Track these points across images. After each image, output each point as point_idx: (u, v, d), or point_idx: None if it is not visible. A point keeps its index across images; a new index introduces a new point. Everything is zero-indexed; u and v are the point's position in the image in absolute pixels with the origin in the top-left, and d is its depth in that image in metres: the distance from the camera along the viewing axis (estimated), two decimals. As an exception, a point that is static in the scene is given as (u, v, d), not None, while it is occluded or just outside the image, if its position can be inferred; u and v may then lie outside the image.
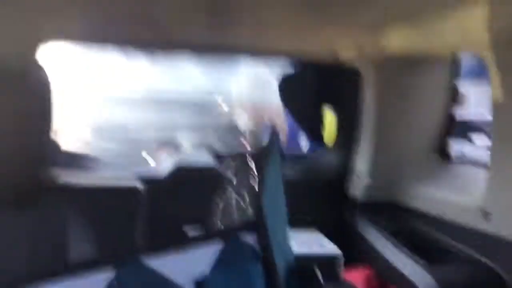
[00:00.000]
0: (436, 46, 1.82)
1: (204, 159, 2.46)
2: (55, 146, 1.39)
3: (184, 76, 6.02)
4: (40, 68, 1.33)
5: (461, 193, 1.75)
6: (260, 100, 6.04)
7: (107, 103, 5.74)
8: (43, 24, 1.77)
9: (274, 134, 1.38)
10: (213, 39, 2.05)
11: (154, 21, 1.77)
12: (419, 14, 1.61)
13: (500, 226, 1.49)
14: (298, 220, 1.52)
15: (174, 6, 1.64)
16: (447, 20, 1.58)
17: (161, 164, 2.45)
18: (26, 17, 1.72)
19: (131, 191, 1.47)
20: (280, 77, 2.39)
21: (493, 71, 1.48)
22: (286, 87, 2.41)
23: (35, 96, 1.29)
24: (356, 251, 2.08)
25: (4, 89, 1.24)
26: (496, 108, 1.49)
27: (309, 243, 2.02)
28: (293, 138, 5.04)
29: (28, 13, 1.67)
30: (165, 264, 1.12)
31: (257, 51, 2.22)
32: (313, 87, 2.42)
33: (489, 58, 1.49)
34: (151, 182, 2.02)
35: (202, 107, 6.25)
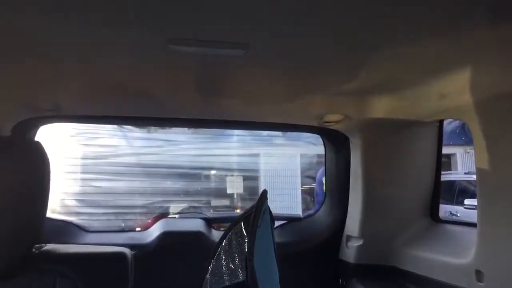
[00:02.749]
0: (419, 112, 1.88)
1: (191, 223, 2.43)
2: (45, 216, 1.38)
3: (175, 146, 6.08)
4: (39, 146, 1.34)
5: (453, 254, 1.74)
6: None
7: (97, 172, 5.74)
8: (41, 102, 1.81)
9: (264, 195, 1.38)
10: (205, 114, 2.10)
11: (151, 98, 1.82)
12: (401, 82, 1.67)
13: (493, 286, 1.47)
14: (291, 284, 1.49)
15: (169, 85, 1.70)
16: (429, 87, 1.64)
17: (149, 229, 2.41)
18: (25, 96, 1.76)
19: (119, 256, 1.44)
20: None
21: (476, 135, 1.52)
22: None
23: (33, 173, 1.30)
24: None
25: (3, 165, 1.25)
26: (481, 169, 1.52)
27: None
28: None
29: (26, 91, 1.71)
30: None
31: (247, 124, 2.27)
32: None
33: (472, 123, 1.53)
34: (138, 247, 1.98)
35: (191, 174, 6.26)
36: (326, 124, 2.12)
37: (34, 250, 1.37)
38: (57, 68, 1.49)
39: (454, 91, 1.56)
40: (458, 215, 6.88)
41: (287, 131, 3.22)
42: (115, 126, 4.71)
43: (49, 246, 1.43)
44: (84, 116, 2.10)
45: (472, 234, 1.60)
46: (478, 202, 1.55)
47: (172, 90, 1.76)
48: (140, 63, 1.45)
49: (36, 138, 2.10)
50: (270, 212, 1.43)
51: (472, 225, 1.71)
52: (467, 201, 6.81)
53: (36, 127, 2.08)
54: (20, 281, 1.29)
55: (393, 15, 1.10)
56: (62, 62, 1.44)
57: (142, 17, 1.12)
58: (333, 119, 2.06)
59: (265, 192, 1.40)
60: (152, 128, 5.02)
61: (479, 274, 1.52)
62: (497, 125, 1.43)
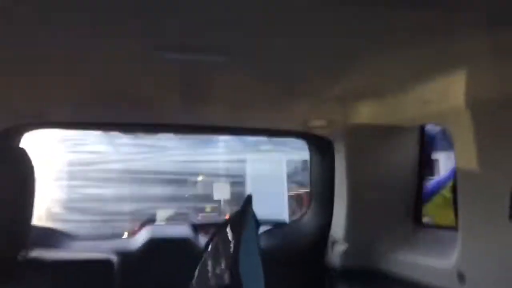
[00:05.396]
0: (402, 118, 1.90)
1: (178, 229, 2.42)
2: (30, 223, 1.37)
3: (162, 152, 6.07)
4: (24, 153, 1.34)
5: (436, 256, 1.76)
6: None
7: (83, 179, 5.69)
8: (25, 109, 1.80)
9: (248, 200, 1.39)
10: (191, 120, 2.11)
11: (137, 104, 1.82)
12: (385, 88, 1.69)
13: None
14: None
15: (155, 91, 1.70)
16: (411, 93, 1.66)
17: (135, 236, 2.40)
18: (9, 103, 1.75)
19: (104, 263, 1.44)
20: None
21: (457, 140, 1.55)
22: None
23: (18, 181, 1.30)
24: None
25: None
26: (462, 173, 1.55)
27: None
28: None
29: (10, 98, 1.70)
30: None
31: (232, 129, 2.28)
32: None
33: (453, 129, 1.56)
34: (125, 254, 1.97)
35: (178, 180, 6.25)
36: (311, 129, 2.13)
37: (19, 257, 1.37)
38: (42, 75, 1.49)
39: (436, 97, 1.58)
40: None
41: (272, 136, 3.23)
42: (102, 132, 4.68)
43: (35, 254, 1.42)
44: (69, 122, 2.09)
45: (454, 237, 1.63)
46: (459, 206, 1.57)
47: (157, 96, 1.77)
48: (125, 70, 1.46)
49: (21, 145, 2.08)
50: (255, 216, 1.44)
51: (454, 228, 1.73)
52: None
53: (20, 134, 2.07)
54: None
55: (378, 22, 1.12)
56: (47, 69, 1.44)
57: (128, 26, 1.12)
58: (317, 125, 2.08)
59: (249, 197, 1.41)
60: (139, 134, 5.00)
61: (461, 277, 1.54)
62: (477, 130, 1.46)
